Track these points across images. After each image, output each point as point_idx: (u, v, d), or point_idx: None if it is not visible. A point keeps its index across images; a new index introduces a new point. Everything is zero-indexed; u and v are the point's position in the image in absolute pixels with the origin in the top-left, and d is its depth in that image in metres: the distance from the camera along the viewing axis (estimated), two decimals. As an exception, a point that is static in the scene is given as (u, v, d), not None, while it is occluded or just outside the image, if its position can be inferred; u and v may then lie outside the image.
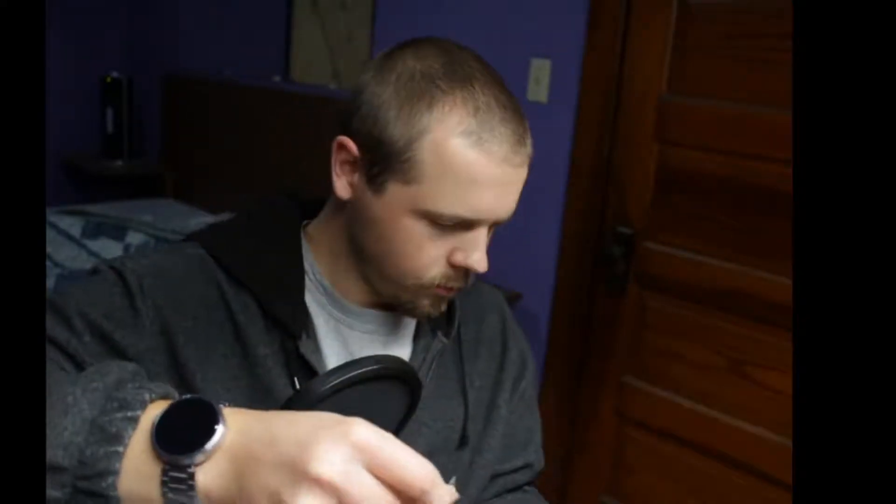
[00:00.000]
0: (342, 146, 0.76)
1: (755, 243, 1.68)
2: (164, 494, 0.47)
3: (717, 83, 1.72)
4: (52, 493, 0.48)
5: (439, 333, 0.86)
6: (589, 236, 1.96)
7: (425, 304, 0.78)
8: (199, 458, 0.47)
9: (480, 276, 0.99)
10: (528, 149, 0.75)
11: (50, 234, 2.53)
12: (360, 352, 0.82)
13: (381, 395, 0.69)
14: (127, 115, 3.29)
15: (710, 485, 1.81)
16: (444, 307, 0.81)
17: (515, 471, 0.95)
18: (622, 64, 1.87)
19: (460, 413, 0.86)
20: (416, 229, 0.74)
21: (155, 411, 0.49)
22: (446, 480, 0.83)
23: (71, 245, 2.55)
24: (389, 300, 0.80)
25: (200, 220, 2.77)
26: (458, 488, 0.47)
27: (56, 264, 2.43)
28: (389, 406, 0.73)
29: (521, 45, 2.05)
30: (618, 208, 1.92)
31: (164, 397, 0.52)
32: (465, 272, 0.76)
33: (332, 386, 0.63)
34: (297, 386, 0.76)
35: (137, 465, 0.48)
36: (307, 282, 0.81)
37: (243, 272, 0.78)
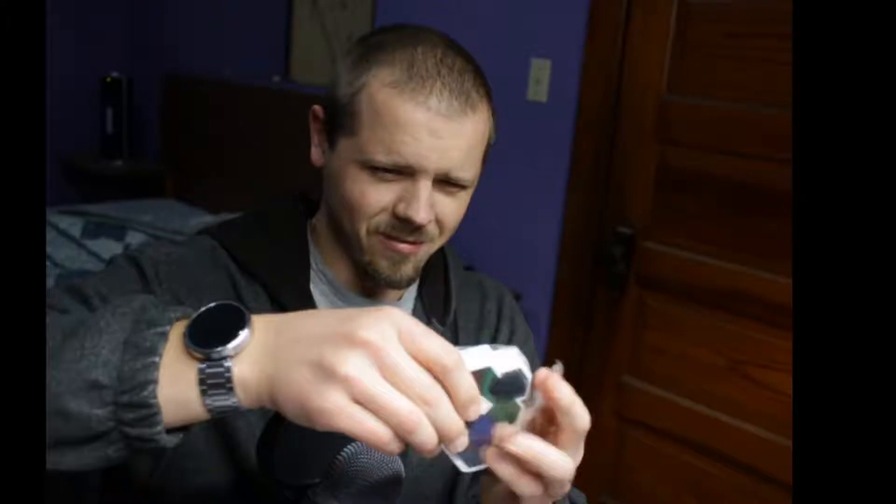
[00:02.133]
0: (315, 115, 0.82)
1: (755, 243, 1.68)
2: (202, 392, 0.50)
3: (717, 83, 1.72)
4: (94, 411, 0.50)
5: (434, 320, 0.88)
6: (589, 236, 1.96)
7: (383, 264, 0.80)
8: (230, 349, 0.50)
9: (484, 271, 1.00)
10: (471, 108, 0.76)
11: (50, 234, 2.53)
12: None
13: None
14: (127, 115, 3.29)
15: (710, 485, 1.81)
16: (406, 271, 0.81)
17: None
18: (622, 64, 1.87)
19: None
20: (360, 178, 0.77)
21: (181, 327, 0.52)
22: (447, 464, 0.84)
23: (71, 245, 2.55)
24: (361, 266, 0.82)
25: (200, 220, 2.77)
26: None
27: (56, 264, 2.43)
28: None
29: (521, 45, 2.05)
30: (618, 208, 1.92)
31: (186, 316, 0.54)
32: (411, 226, 0.78)
33: None
34: None
35: (173, 371, 0.51)
36: (311, 273, 0.84)
37: (252, 261, 0.82)
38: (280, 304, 0.80)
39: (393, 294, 0.87)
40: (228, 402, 0.51)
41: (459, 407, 0.49)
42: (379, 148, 0.74)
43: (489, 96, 0.80)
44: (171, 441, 0.52)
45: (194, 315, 0.53)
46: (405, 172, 0.76)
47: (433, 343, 0.49)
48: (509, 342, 0.95)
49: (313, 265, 0.85)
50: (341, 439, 0.71)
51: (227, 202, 2.89)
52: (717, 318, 1.76)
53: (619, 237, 1.90)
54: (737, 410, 1.74)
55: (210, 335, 0.51)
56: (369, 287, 0.85)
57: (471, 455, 0.55)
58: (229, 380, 0.50)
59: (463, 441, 0.50)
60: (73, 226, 2.61)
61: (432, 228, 0.79)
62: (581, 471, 0.58)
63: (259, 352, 0.51)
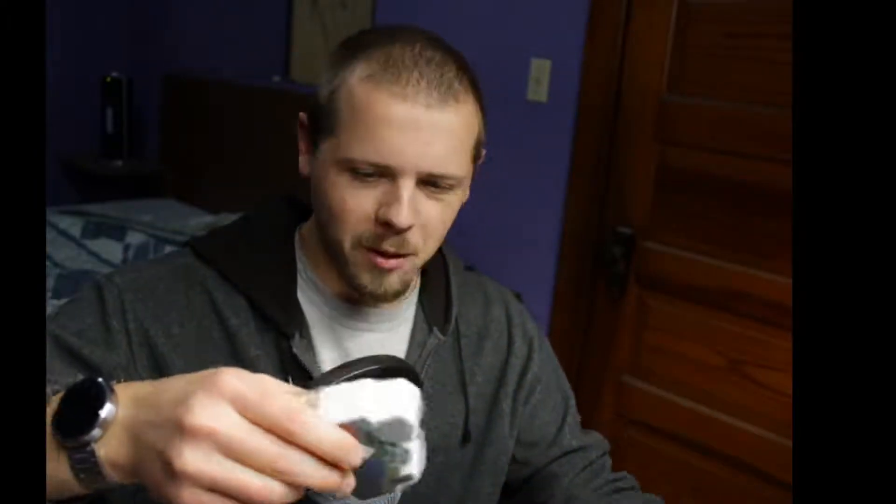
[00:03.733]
0: (301, 122, 0.80)
1: (755, 243, 1.68)
2: (76, 475, 0.50)
3: (717, 83, 1.72)
4: None
5: (435, 329, 0.85)
6: (589, 236, 1.96)
7: (366, 278, 0.76)
8: (94, 434, 0.49)
9: (484, 271, 0.99)
10: (454, 98, 0.72)
11: (50, 234, 2.53)
12: (355, 349, 0.81)
13: None
14: (127, 115, 3.28)
15: (710, 485, 1.80)
16: (391, 284, 0.77)
17: (552, 461, 0.94)
18: (622, 64, 1.87)
19: (461, 409, 0.86)
20: (341, 182, 0.73)
21: (55, 402, 0.52)
22: (449, 479, 0.83)
23: (71, 245, 2.55)
24: (346, 283, 0.79)
25: (200, 220, 2.77)
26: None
27: (56, 264, 2.42)
28: None
29: (521, 45, 2.05)
30: (618, 208, 1.91)
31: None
32: (395, 234, 0.73)
33: None
34: None
35: (50, 455, 0.51)
36: (300, 281, 0.82)
37: (235, 273, 0.79)
38: (263, 314, 0.77)
39: (386, 303, 0.82)
40: (104, 483, 0.50)
41: (328, 462, 0.47)
42: (357, 145, 0.71)
43: (476, 90, 0.76)
44: None
45: (63, 394, 0.52)
46: (386, 174, 0.72)
47: (272, 408, 0.46)
48: (527, 361, 0.93)
49: (301, 272, 0.82)
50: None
51: (227, 202, 2.89)
52: (717, 318, 1.76)
53: (619, 237, 1.90)
54: (737, 410, 1.74)
55: (72, 418, 0.50)
56: (357, 297, 0.81)
57: (366, 491, 0.51)
58: (96, 464, 0.50)
59: (346, 488, 0.48)
60: (73, 226, 2.61)
61: (416, 237, 0.74)
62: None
63: (122, 432, 0.50)
